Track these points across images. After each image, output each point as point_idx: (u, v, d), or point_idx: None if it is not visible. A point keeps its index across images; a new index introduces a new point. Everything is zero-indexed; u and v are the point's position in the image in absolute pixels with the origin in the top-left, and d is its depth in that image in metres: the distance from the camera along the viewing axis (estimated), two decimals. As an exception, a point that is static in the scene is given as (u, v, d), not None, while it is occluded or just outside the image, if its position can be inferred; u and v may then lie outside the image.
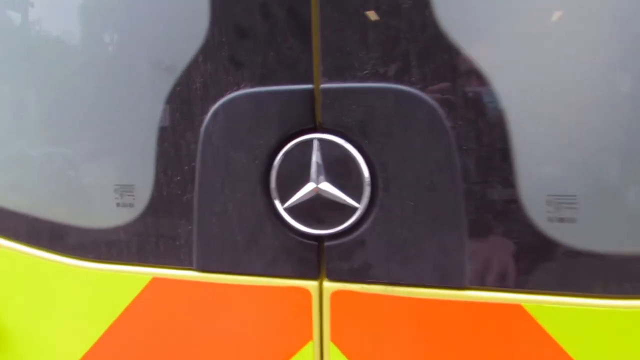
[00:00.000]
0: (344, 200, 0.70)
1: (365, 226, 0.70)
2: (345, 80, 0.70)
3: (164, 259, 0.82)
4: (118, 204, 0.82)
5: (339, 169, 0.70)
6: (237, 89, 0.76)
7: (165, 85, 0.79)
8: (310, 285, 0.76)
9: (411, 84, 0.68)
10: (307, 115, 0.73)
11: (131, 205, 0.81)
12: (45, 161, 0.87)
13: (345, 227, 0.70)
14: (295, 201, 0.72)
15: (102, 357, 0.85)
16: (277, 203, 0.73)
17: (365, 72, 0.70)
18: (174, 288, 0.82)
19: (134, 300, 0.83)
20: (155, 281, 0.83)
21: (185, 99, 0.78)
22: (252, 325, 0.80)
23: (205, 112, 0.77)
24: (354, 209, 0.70)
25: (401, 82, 0.68)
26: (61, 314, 0.86)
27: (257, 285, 0.78)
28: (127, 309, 0.84)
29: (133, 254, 0.82)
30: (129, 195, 0.81)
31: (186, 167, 0.79)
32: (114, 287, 0.83)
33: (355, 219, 0.70)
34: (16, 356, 0.90)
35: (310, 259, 0.75)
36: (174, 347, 0.83)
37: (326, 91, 0.71)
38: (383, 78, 0.69)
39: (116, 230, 0.82)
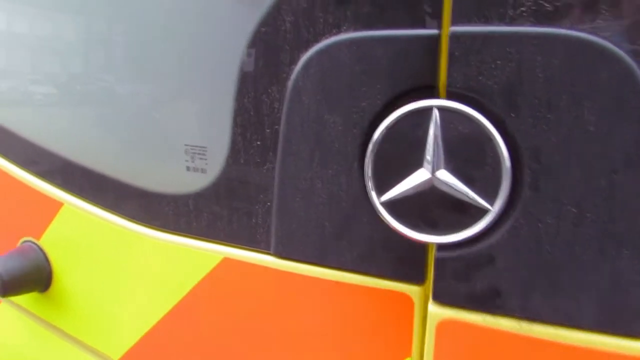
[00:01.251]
0: (471, 198, 0.49)
1: (498, 236, 0.49)
2: (488, 21, 0.48)
3: (238, 238, 0.68)
4: (188, 168, 0.68)
5: (467, 153, 0.49)
6: (337, 33, 0.57)
7: (248, 24, 0.62)
8: (413, 290, 0.58)
9: (596, 30, 0.44)
10: (428, 72, 0.52)
11: (203, 171, 0.68)
12: (110, 112, 0.76)
13: (469, 236, 0.49)
14: (400, 194, 0.52)
15: (165, 337, 0.75)
16: (374, 194, 0.54)
17: (521, 9, 0.47)
18: (248, 272, 0.69)
19: (202, 280, 0.72)
20: (227, 261, 0.70)
21: (271, 43, 0.61)
22: (333, 327, 0.64)
23: (294, 61, 0.60)
24: (484, 212, 0.49)
25: (580, 26, 0.45)
26: (124, 285, 0.77)
27: (345, 283, 0.62)
28: (194, 289, 0.72)
29: (203, 228, 0.69)
30: (201, 159, 0.68)
31: (268, 130, 0.63)
32: (181, 263, 0.72)
33: (485, 226, 0.49)
34: (76, 322, 0.84)
35: (416, 259, 0.57)
36: (241, 337, 0.71)
37: (458, 37, 0.49)
38: (549, 19, 0.46)
39: (185, 198, 0.70)
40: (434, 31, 0.52)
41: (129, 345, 0.80)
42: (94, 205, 0.77)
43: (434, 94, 0.52)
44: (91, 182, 0.77)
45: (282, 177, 0.62)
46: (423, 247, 0.56)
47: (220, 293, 0.71)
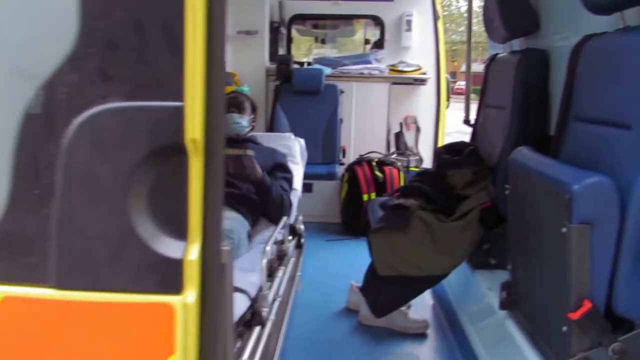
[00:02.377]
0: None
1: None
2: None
3: (19, 276, 0.77)
4: (-33, 215, 0.76)
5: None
6: (104, 103, 0.74)
7: (28, 92, 0.75)
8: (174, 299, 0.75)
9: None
10: (177, 133, 0.72)
11: (-18, 218, 0.76)
12: None
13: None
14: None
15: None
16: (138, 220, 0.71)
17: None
18: (29, 307, 0.78)
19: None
20: (8, 300, 0.78)
21: (49, 109, 0.75)
22: (113, 343, 0.77)
23: (69, 124, 0.74)
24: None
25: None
26: None
27: (120, 302, 0.76)
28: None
29: (-17, 271, 0.77)
30: (-20, 206, 0.76)
31: (46, 181, 0.76)
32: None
33: None
34: None
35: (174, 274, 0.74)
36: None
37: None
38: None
39: (-36, 243, 0.77)
40: (180, 103, 0.73)
41: None
42: None
43: (182, 149, 0.73)
44: None
45: (60, 219, 0.75)
46: (179, 263, 0.75)
47: (2, 331, 0.78)
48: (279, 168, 2.66)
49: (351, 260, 3.47)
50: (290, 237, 2.65)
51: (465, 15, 3.15)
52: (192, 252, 0.77)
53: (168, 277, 0.75)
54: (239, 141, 2.69)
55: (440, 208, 2.15)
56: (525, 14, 2.10)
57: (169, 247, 0.76)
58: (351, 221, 4.00)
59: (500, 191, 2.07)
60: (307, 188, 4.27)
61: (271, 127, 4.00)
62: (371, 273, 2.22)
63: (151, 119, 0.73)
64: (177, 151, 0.74)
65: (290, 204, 2.61)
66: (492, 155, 2.20)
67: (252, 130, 2.79)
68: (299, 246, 3.40)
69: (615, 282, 1.14)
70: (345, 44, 7.52)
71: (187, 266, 0.76)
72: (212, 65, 0.77)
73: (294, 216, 2.73)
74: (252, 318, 1.78)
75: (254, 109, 2.82)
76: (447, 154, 2.29)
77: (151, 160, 0.73)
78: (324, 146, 4.00)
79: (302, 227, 3.37)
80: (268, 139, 3.09)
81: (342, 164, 4.12)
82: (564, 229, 1.17)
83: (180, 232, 0.77)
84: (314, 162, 3.92)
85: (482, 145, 2.34)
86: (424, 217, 2.11)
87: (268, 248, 1.95)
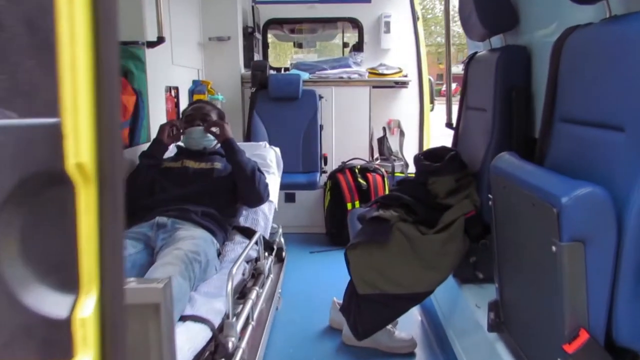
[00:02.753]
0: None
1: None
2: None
3: None
4: None
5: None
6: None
7: None
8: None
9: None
10: (54, 155, 0.56)
11: None
12: None
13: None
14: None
15: None
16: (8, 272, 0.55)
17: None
18: None
19: None
20: None
21: None
22: None
23: None
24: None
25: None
26: None
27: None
28: None
29: None
30: None
31: None
32: None
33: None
34: None
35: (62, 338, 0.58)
36: None
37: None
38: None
39: None
40: (55, 119, 0.57)
41: None
42: None
43: (64, 178, 0.56)
44: None
45: None
46: (66, 323, 0.58)
47: None
48: None
49: (336, 273, 3.31)
50: (266, 253, 2.48)
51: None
52: (85, 308, 0.61)
53: (51, 343, 0.58)
54: (205, 154, 2.53)
55: (422, 219, 2.00)
56: (502, 8, 1.96)
57: (50, 303, 0.59)
58: (336, 231, 3.84)
59: (485, 199, 1.92)
60: (289, 198, 4.12)
61: (248, 135, 3.83)
62: (351, 292, 2.06)
63: (16, 141, 0.56)
64: (56, 180, 0.58)
65: (266, 187, 2.46)
66: (475, 160, 2.06)
67: None
68: (280, 260, 3.24)
69: (614, 307, 0.99)
70: (327, 48, 7.39)
71: (77, 325, 0.60)
72: (101, 69, 0.60)
73: (269, 229, 2.56)
74: (216, 351, 1.61)
75: (221, 119, 2.66)
76: (427, 161, 2.14)
77: (20, 193, 0.56)
78: (304, 154, 3.84)
79: (282, 240, 3.21)
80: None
81: (324, 172, 3.96)
82: (553, 248, 1.01)
83: (67, 282, 0.60)
84: (294, 170, 3.77)
85: (464, 150, 2.19)
86: (404, 229, 1.95)
87: (235, 270, 1.78)
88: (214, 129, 2.43)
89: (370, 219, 2.04)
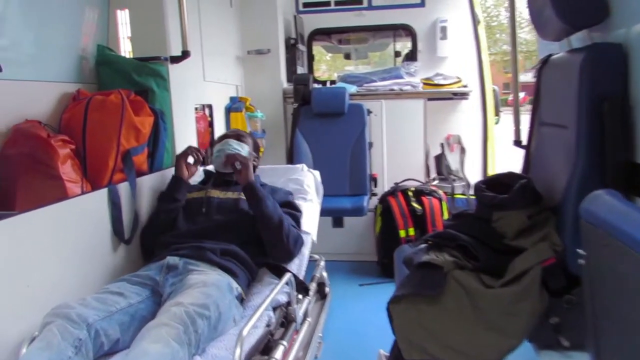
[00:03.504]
0: None
1: None
2: None
3: None
4: None
5: None
6: None
7: None
8: None
9: None
10: None
11: None
12: None
13: None
14: None
15: None
16: None
17: None
18: None
19: None
20: None
21: None
22: None
23: None
24: None
25: None
26: None
27: None
28: None
29: None
30: None
31: None
32: None
33: None
34: None
35: None
36: None
37: None
38: None
39: None
40: None
41: None
42: None
43: None
44: None
45: None
46: None
47: None
48: (284, 206, 2.17)
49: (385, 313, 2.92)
50: (300, 296, 2.13)
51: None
52: None
53: None
54: (232, 182, 2.23)
55: (484, 266, 1.58)
56: (587, -4, 1.52)
57: None
58: (387, 261, 3.42)
59: (570, 242, 1.48)
60: (337, 222, 3.78)
61: (290, 155, 3.52)
62: (396, 354, 1.66)
63: None
64: None
65: (297, 241, 2.11)
66: (553, 191, 1.61)
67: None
68: (322, 296, 2.89)
69: None
70: (380, 59, 7.01)
71: None
72: None
73: (304, 266, 2.21)
74: None
75: (256, 149, 2.41)
76: (491, 191, 1.72)
77: None
78: (352, 175, 3.48)
79: (324, 274, 2.85)
80: (274, 173, 2.62)
81: (374, 194, 3.58)
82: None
83: None
84: (340, 193, 3.41)
85: (538, 178, 1.75)
86: (462, 279, 1.54)
87: (247, 330, 1.45)
88: (237, 165, 2.07)
89: (418, 265, 1.65)
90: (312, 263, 2.63)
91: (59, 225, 1.66)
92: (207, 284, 1.64)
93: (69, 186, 1.79)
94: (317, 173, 2.64)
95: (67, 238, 1.69)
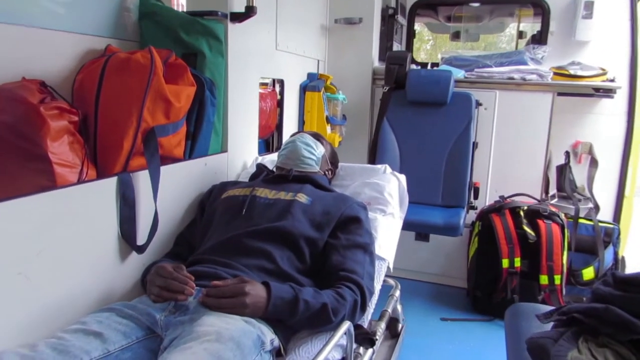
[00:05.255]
0: None
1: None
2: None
3: None
4: None
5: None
6: None
7: None
8: None
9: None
10: None
11: None
12: None
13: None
14: None
15: None
16: None
17: None
18: None
19: None
20: None
21: None
22: None
23: None
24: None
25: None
26: None
27: None
28: None
29: None
30: None
31: None
32: None
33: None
34: None
35: None
36: None
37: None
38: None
39: None
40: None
41: None
42: None
43: None
44: None
45: None
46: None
47: None
48: (349, 222, 1.56)
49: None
50: (361, 349, 1.52)
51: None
52: None
53: None
54: (289, 179, 1.68)
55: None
56: None
57: None
58: (481, 294, 2.73)
59: None
60: (422, 235, 3.12)
61: (374, 149, 2.90)
62: None
63: None
64: None
65: (370, 294, 1.48)
66: None
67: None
68: (394, 334, 2.27)
69: None
70: (492, 44, 6.09)
71: None
72: None
73: (372, 309, 1.59)
74: None
75: (333, 159, 1.94)
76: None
77: None
78: (447, 181, 2.79)
79: (398, 307, 2.23)
80: (349, 173, 2.03)
81: (472, 207, 2.87)
82: None
83: None
84: (430, 202, 2.74)
85: None
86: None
87: None
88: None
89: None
90: (385, 288, 2.01)
91: (38, 224, 1.18)
92: (223, 338, 1.08)
93: (60, 171, 1.30)
94: (402, 178, 2.00)
95: (50, 242, 1.22)
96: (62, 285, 1.27)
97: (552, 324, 1.18)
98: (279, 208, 1.54)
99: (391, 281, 2.25)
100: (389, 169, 2.02)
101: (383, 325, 1.89)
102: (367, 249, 1.54)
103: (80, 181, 1.35)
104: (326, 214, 1.55)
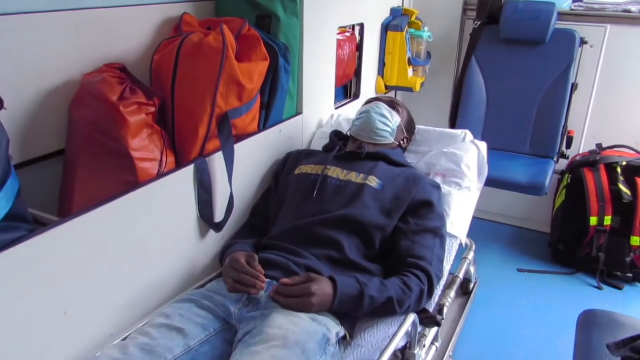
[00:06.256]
0: None
1: None
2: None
3: None
4: None
5: None
6: None
7: None
8: None
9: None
10: None
11: None
12: None
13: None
14: None
15: None
16: None
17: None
18: None
19: None
20: None
21: None
22: None
23: None
24: None
25: None
26: None
27: None
28: None
29: None
30: None
31: None
32: None
33: None
34: None
35: None
36: None
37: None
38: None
39: None
40: None
41: None
42: None
43: None
44: None
45: None
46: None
47: None
48: (421, 207, 1.55)
49: (549, 322, 2.24)
50: (427, 331, 1.57)
51: None
52: None
53: None
54: (361, 157, 1.67)
55: None
56: None
57: None
58: (564, 247, 2.64)
59: None
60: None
61: (458, 92, 2.72)
62: None
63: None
64: None
65: (437, 280, 1.50)
66: None
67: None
68: (465, 293, 2.29)
69: None
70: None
71: None
72: None
73: (437, 295, 1.61)
74: None
75: (409, 127, 1.86)
76: None
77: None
78: (537, 128, 2.59)
79: (471, 269, 2.22)
80: (424, 140, 1.96)
81: (563, 156, 2.67)
82: None
83: None
84: (515, 150, 2.60)
85: None
86: None
87: None
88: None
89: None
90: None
91: (126, 220, 1.30)
92: (289, 343, 1.17)
93: (142, 166, 1.38)
94: (483, 146, 1.89)
95: (136, 236, 1.34)
96: (149, 271, 1.40)
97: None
98: (350, 193, 1.54)
99: (467, 240, 2.22)
100: (469, 136, 1.91)
101: (452, 294, 1.90)
102: (437, 232, 1.52)
103: (160, 175, 1.42)
104: (397, 199, 1.53)
